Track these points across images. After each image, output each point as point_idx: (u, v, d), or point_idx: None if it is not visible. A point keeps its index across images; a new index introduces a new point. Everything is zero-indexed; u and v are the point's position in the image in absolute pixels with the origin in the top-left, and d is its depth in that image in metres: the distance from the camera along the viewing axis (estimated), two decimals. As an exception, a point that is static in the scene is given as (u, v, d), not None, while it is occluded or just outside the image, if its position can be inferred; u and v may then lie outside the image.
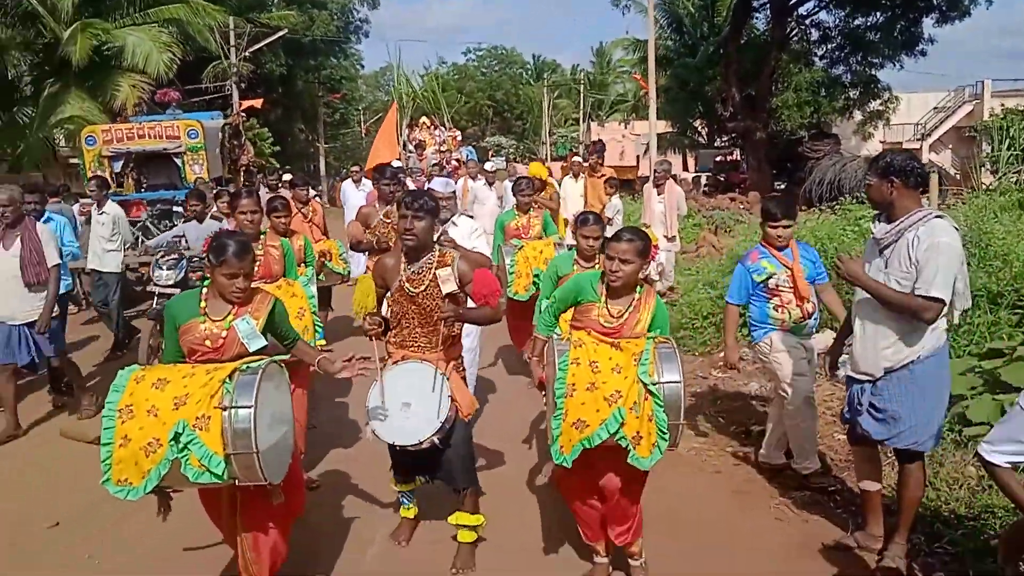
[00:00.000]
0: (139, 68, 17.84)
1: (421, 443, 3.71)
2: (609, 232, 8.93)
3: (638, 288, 3.69)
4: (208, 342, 3.31)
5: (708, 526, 4.38)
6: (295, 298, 5.00)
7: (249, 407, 2.97)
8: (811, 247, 5.18)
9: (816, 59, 25.59)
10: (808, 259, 4.85)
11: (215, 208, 8.24)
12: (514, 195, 7.12)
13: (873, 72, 24.93)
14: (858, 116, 26.55)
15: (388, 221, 5.66)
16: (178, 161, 11.70)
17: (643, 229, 3.94)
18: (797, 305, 4.71)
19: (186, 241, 7.46)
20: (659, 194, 9.69)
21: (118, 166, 11.67)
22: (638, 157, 39.53)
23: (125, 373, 3.12)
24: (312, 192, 9.91)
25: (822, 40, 25.46)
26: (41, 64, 19.43)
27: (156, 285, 7.21)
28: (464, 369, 4.14)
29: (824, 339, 5.91)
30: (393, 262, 3.95)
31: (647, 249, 3.67)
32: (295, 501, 3.54)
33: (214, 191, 8.48)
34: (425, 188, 7.23)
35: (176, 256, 7.32)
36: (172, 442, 2.90)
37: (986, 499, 4.03)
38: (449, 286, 3.81)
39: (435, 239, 4.09)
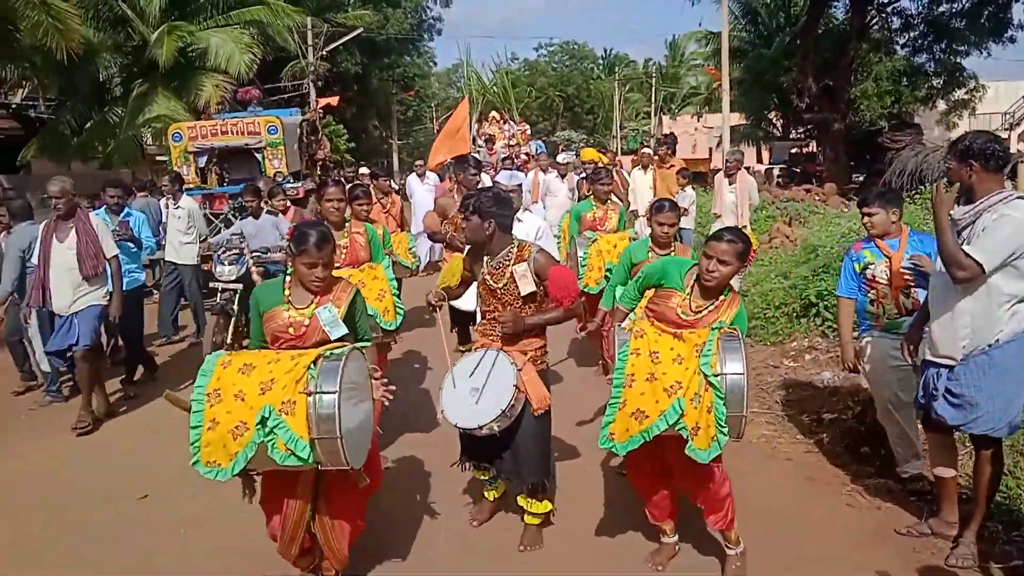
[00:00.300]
0: (221, 68, 18.44)
1: (481, 428, 3.70)
2: (685, 222, 8.93)
3: (725, 291, 3.63)
4: (291, 329, 3.39)
5: (779, 512, 4.36)
6: (376, 280, 5.13)
7: (333, 392, 3.03)
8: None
9: (897, 48, 24.79)
10: (924, 251, 4.36)
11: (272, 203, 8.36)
12: (592, 185, 7.05)
13: (958, 60, 24.02)
14: (942, 105, 25.64)
15: None
16: (258, 156, 12.08)
17: (744, 232, 3.85)
18: (893, 298, 4.45)
19: (242, 237, 7.61)
20: (730, 184, 9.61)
21: (202, 161, 12.12)
22: (710, 150, 39.02)
23: (212, 358, 3.21)
24: (394, 185, 10.16)
25: (904, 28, 24.65)
26: (130, 66, 20.24)
27: (219, 281, 7.34)
28: (544, 363, 4.07)
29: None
30: (479, 254, 4.01)
31: (747, 252, 3.60)
32: (373, 480, 3.59)
33: (271, 186, 8.76)
34: (492, 183, 7.31)
35: (236, 252, 7.45)
36: (259, 426, 2.98)
37: (1068, 488, 3.92)
38: (527, 284, 3.82)
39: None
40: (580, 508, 4.48)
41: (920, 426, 4.19)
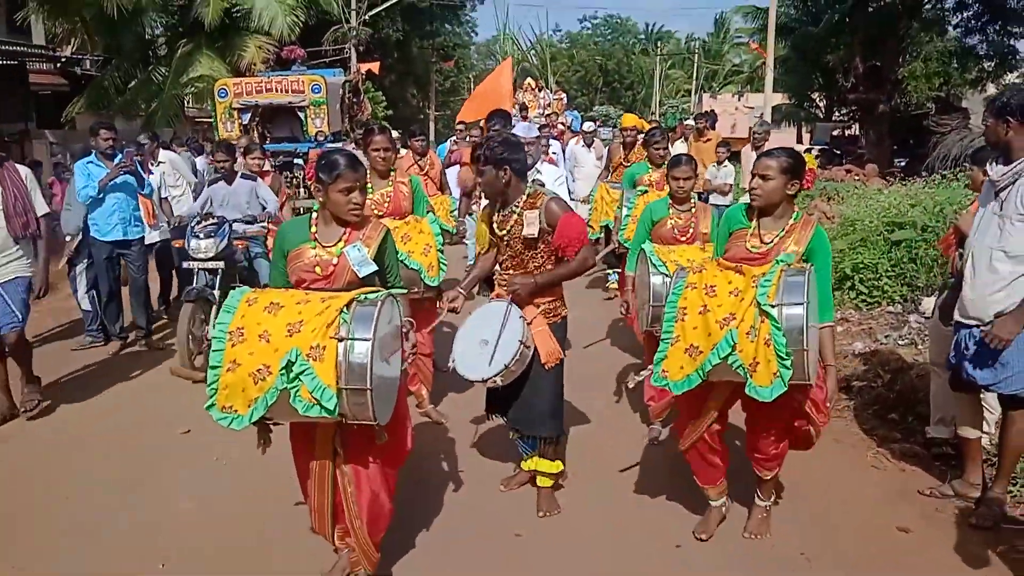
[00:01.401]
0: (265, 30, 18.64)
1: (486, 380, 3.69)
2: (724, 201, 8.73)
3: (794, 215, 3.45)
4: (318, 268, 3.13)
5: (805, 474, 4.37)
6: (422, 235, 5.02)
7: (368, 339, 2.78)
8: None
9: (950, 28, 24.19)
10: None
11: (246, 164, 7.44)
12: (647, 148, 6.78)
13: (1012, 43, 23.39)
14: (991, 89, 25.04)
15: None
16: (301, 115, 12.26)
17: (798, 152, 3.63)
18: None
19: (211, 204, 6.71)
20: (758, 157, 9.29)
21: (246, 118, 12.33)
22: (750, 129, 38.49)
23: (237, 293, 2.96)
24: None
25: (958, 7, 23.99)
26: (176, 25, 20.52)
27: (194, 260, 6.25)
28: (559, 315, 3.96)
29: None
30: (490, 208, 3.99)
31: (797, 167, 3.39)
32: (400, 447, 3.32)
33: (244, 147, 8.06)
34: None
35: (215, 223, 6.40)
36: (283, 371, 2.72)
37: (1096, 454, 3.92)
38: (531, 229, 3.74)
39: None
40: (609, 480, 4.40)
41: (943, 388, 4.20)
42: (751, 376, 3.10)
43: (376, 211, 4.98)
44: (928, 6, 24.05)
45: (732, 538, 3.72)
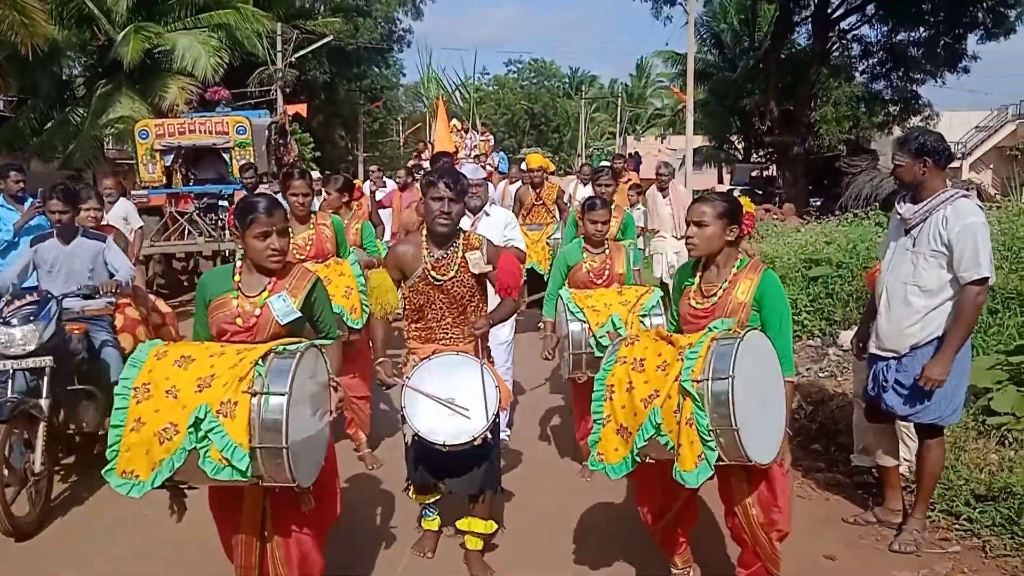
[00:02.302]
0: (188, 71, 18.37)
1: (473, 441, 3.35)
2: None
3: (739, 262, 3.21)
4: (240, 320, 2.95)
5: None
6: (343, 277, 4.92)
7: (283, 394, 2.58)
8: None
9: (857, 74, 25.51)
10: None
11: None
12: (594, 188, 6.45)
13: (914, 88, 24.79)
14: (897, 132, 26.39)
15: (409, 234, 5.43)
16: (226, 156, 12.11)
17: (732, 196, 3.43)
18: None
19: (35, 271, 5.00)
20: (664, 197, 9.31)
21: (168, 160, 12.10)
22: (673, 171, 39.47)
23: (146, 347, 2.77)
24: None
25: (863, 55, 25.36)
26: (94, 65, 20.08)
27: (5, 356, 4.35)
28: (493, 360, 3.82)
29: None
30: (413, 249, 3.60)
31: (734, 211, 3.16)
32: (330, 507, 3.17)
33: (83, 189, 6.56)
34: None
35: (34, 303, 4.54)
36: (191, 429, 2.52)
37: (1005, 479, 4.12)
38: (481, 267, 3.56)
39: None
40: (550, 530, 4.24)
41: (864, 418, 4.34)
42: (676, 459, 2.81)
43: (298, 255, 4.93)
44: (836, 54, 25.33)
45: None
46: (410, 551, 3.96)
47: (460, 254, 3.58)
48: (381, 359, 3.60)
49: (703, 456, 2.76)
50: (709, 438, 2.75)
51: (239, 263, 3.06)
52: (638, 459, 2.93)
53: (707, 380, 2.77)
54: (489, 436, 3.40)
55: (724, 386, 2.74)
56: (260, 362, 2.66)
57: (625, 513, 4.29)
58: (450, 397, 3.40)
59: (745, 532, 3.14)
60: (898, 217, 3.84)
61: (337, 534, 3.55)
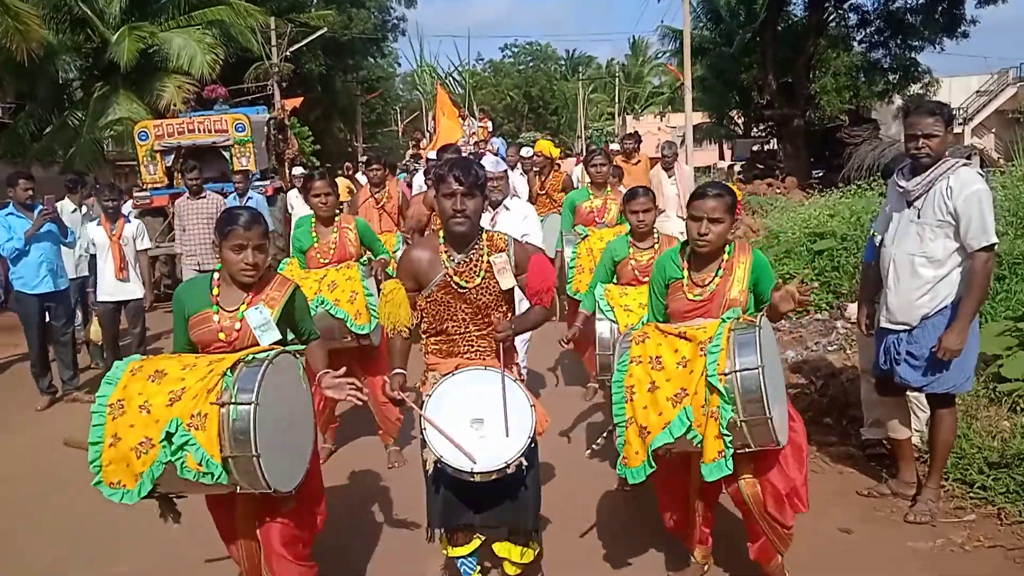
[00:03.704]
0: (184, 69, 18.35)
1: (507, 468, 2.89)
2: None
3: (727, 249, 3.17)
4: (222, 335, 2.93)
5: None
6: (349, 281, 4.78)
7: (249, 404, 2.59)
8: None
9: (855, 43, 25.33)
10: None
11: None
12: (586, 168, 6.31)
13: (913, 55, 24.60)
14: (898, 101, 26.24)
15: (425, 237, 4.91)
16: (226, 154, 12.10)
17: (726, 184, 3.38)
18: None
19: None
20: (669, 177, 9.24)
21: (169, 160, 12.11)
22: (677, 150, 39.34)
23: (122, 364, 2.80)
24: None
25: (861, 24, 25.16)
26: (90, 68, 20.06)
27: None
28: (523, 376, 3.51)
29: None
30: (429, 254, 3.21)
31: (735, 205, 3.17)
32: (312, 515, 3.11)
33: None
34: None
35: None
36: (164, 443, 2.56)
37: (1018, 445, 4.13)
38: (507, 278, 3.16)
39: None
40: (573, 539, 4.03)
41: (875, 391, 4.34)
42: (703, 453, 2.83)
43: (322, 259, 4.93)
44: (833, 24, 25.14)
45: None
46: None
47: (484, 258, 3.17)
48: (395, 372, 3.22)
49: (723, 452, 2.78)
50: (727, 434, 2.77)
51: (216, 276, 3.05)
52: (653, 465, 2.89)
53: (735, 373, 2.75)
54: (524, 463, 2.95)
55: (755, 376, 2.73)
56: (229, 373, 2.68)
57: (646, 505, 4.20)
58: (477, 419, 2.98)
59: (750, 506, 3.10)
60: (899, 189, 3.83)
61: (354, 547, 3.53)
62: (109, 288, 7.03)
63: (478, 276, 3.14)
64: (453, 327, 3.20)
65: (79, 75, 20.73)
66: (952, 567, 3.56)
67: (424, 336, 3.31)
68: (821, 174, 25.33)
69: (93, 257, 7.22)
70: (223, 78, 18.92)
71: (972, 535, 3.77)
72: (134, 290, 7.13)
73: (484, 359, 3.20)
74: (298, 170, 12.66)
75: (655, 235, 4.65)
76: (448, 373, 3.12)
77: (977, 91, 36.48)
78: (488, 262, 3.15)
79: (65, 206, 8.55)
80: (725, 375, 2.75)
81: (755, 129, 31.37)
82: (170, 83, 18.37)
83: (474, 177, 3.08)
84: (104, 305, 7.12)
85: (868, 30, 25.12)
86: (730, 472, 2.81)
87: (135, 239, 7.18)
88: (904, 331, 3.83)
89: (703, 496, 3.28)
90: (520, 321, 3.27)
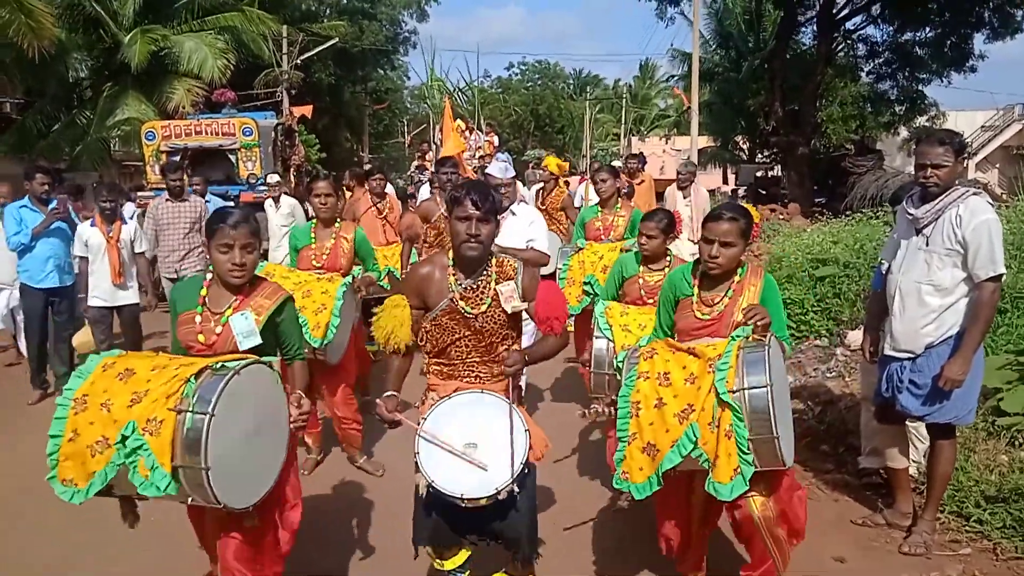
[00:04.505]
0: (194, 73, 18.45)
1: (497, 495, 2.84)
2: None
3: (740, 270, 3.18)
4: (201, 337, 2.89)
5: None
6: (324, 295, 4.65)
7: (205, 414, 2.50)
8: None
9: (863, 74, 25.46)
10: None
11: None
12: (594, 186, 6.29)
13: (920, 88, 24.73)
14: (904, 132, 26.34)
15: (433, 256, 4.88)
16: (232, 158, 12.13)
17: (742, 206, 3.35)
18: None
19: None
20: (684, 197, 9.03)
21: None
22: (695, 171, 39.49)
23: (97, 358, 2.76)
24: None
25: (869, 55, 25.31)
26: (101, 68, 20.15)
27: None
28: (522, 397, 3.44)
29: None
30: (438, 274, 3.13)
31: (750, 228, 3.17)
32: (275, 535, 3.00)
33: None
34: (483, 176, 6.43)
35: None
36: (119, 445, 2.50)
37: (1016, 480, 4.10)
38: (514, 304, 3.09)
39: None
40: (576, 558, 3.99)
41: (874, 419, 4.31)
42: (712, 472, 2.79)
43: (314, 262, 4.90)
44: (841, 54, 25.28)
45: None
46: None
47: (492, 285, 3.10)
48: (388, 393, 3.12)
49: (739, 470, 2.73)
50: (748, 452, 2.73)
51: (208, 277, 3.01)
52: (662, 482, 2.86)
53: (743, 390, 2.74)
54: (516, 490, 2.89)
55: (763, 394, 2.72)
56: (193, 379, 2.59)
57: (643, 520, 4.20)
58: (471, 443, 2.93)
59: (759, 527, 3.02)
60: (908, 216, 3.80)
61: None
62: (104, 293, 6.64)
63: (484, 304, 3.07)
64: (456, 352, 3.15)
65: (89, 74, 20.83)
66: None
67: (426, 356, 3.25)
68: (824, 202, 25.38)
69: (82, 261, 6.70)
70: (233, 83, 19.00)
71: (967, 569, 3.74)
72: (131, 295, 6.80)
73: (484, 384, 3.13)
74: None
75: (668, 258, 4.61)
76: (446, 396, 3.08)
77: (982, 126, 36.63)
78: (495, 290, 3.08)
79: None
80: (733, 392, 2.74)
81: (760, 155, 31.48)
82: (180, 86, 18.46)
83: (491, 203, 3.01)
84: (98, 311, 6.69)
85: (876, 61, 25.27)
86: (747, 488, 2.76)
87: (132, 241, 6.82)
88: (908, 359, 3.80)
89: (704, 517, 3.26)
90: (532, 351, 3.20)
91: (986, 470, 4.35)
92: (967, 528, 4.06)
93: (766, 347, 2.82)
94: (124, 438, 2.49)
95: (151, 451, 2.48)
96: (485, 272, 3.11)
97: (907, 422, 4.07)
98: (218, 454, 2.52)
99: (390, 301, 3.17)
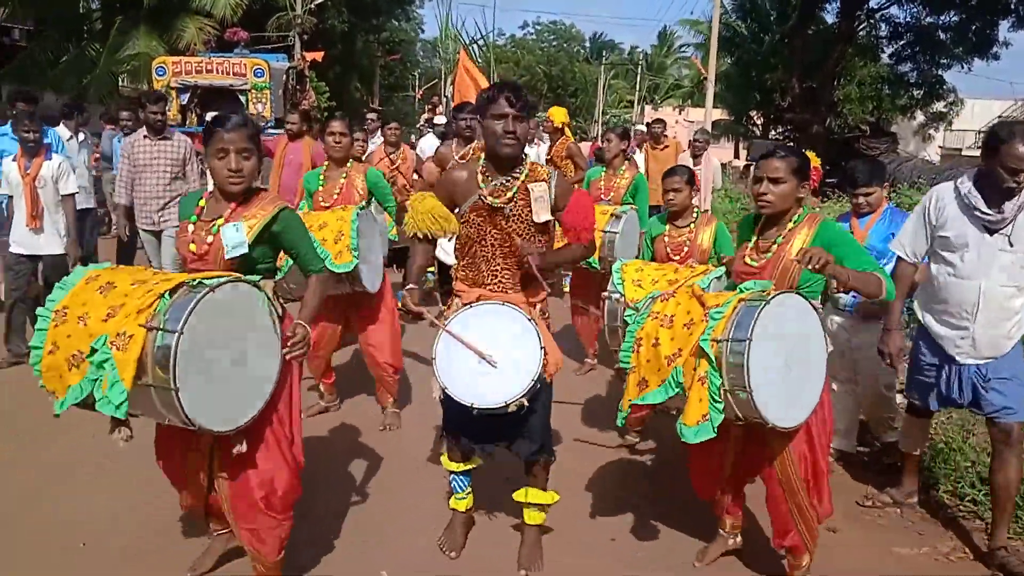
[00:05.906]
0: (206, 10, 18.23)
1: (507, 405, 2.91)
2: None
3: (795, 216, 3.08)
4: (192, 246, 2.83)
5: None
6: (340, 221, 4.56)
7: (174, 332, 2.40)
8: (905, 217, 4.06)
9: (883, 55, 25.16)
10: (892, 229, 4.08)
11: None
12: (601, 143, 6.33)
13: (940, 72, 24.44)
14: (920, 118, 26.08)
15: (465, 162, 4.96)
16: (242, 98, 12.00)
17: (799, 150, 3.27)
18: None
19: None
20: (695, 164, 8.75)
21: (184, 99, 12.00)
22: (690, 142, 39.22)
23: (81, 270, 2.69)
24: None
25: (891, 36, 24.99)
26: (112, 1, 19.88)
27: None
28: (548, 316, 3.38)
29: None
30: (467, 175, 3.19)
31: (806, 168, 3.06)
32: (279, 459, 2.90)
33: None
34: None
35: None
36: (91, 358, 2.43)
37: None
38: (543, 208, 3.10)
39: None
40: (585, 499, 4.07)
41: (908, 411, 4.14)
42: (681, 415, 2.83)
43: (323, 203, 4.84)
44: (863, 33, 24.95)
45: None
46: (437, 542, 3.53)
47: (522, 181, 3.12)
48: (410, 286, 3.18)
49: (707, 416, 2.74)
50: (719, 400, 2.74)
51: (209, 188, 2.98)
52: (638, 403, 2.97)
53: (727, 341, 2.73)
54: (525, 404, 2.95)
55: (741, 348, 2.70)
56: (168, 295, 2.50)
57: (662, 482, 4.26)
58: (488, 353, 2.99)
59: (784, 489, 3.06)
60: (981, 216, 3.43)
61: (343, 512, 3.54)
62: (21, 238, 5.88)
63: (509, 193, 3.10)
64: (480, 254, 3.19)
65: (100, 7, 20.56)
66: (934, 576, 3.53)
67: (456, 261, 3.35)
68: (835, 182, 25.21)
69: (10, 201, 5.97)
70: (245, 23, 18.76)
71: (958, 546, 3.76)
72: (52, 244, 5.94)
73: (507, 292, 3.19)
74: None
75: (694, 214, 4.64)
76: (469, 303, 3.14)
77: (999, 116, 36.25)
78: (524, 186, 3.11)
79: (61, 132, 7.98)
80: (717, 342, 2.75)
81: (773, 131, 31.21)
82: (192, 23, 18.25)
83: (525, 100, 3.05)
84: (15, 257, 5.92)
85: (898, 43, 24.95)
86: (715, 435, 2.75)
87: (55, 180, 5.92)
88: (985, 362, 3.56)
89: (738, 463, 3.28)
90: (555, 253, 3.26)
91: (982, 452, 4.34)
92: (961, 507, 4.08)
93: (763, 303, 2.76)
94: (93, 351, 2.42)
95: (115, 365, 2.39)
96: (518, 171, 3.13)
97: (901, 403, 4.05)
98: (190, 373, 2.44)
99: (414, 196, 3.26)
